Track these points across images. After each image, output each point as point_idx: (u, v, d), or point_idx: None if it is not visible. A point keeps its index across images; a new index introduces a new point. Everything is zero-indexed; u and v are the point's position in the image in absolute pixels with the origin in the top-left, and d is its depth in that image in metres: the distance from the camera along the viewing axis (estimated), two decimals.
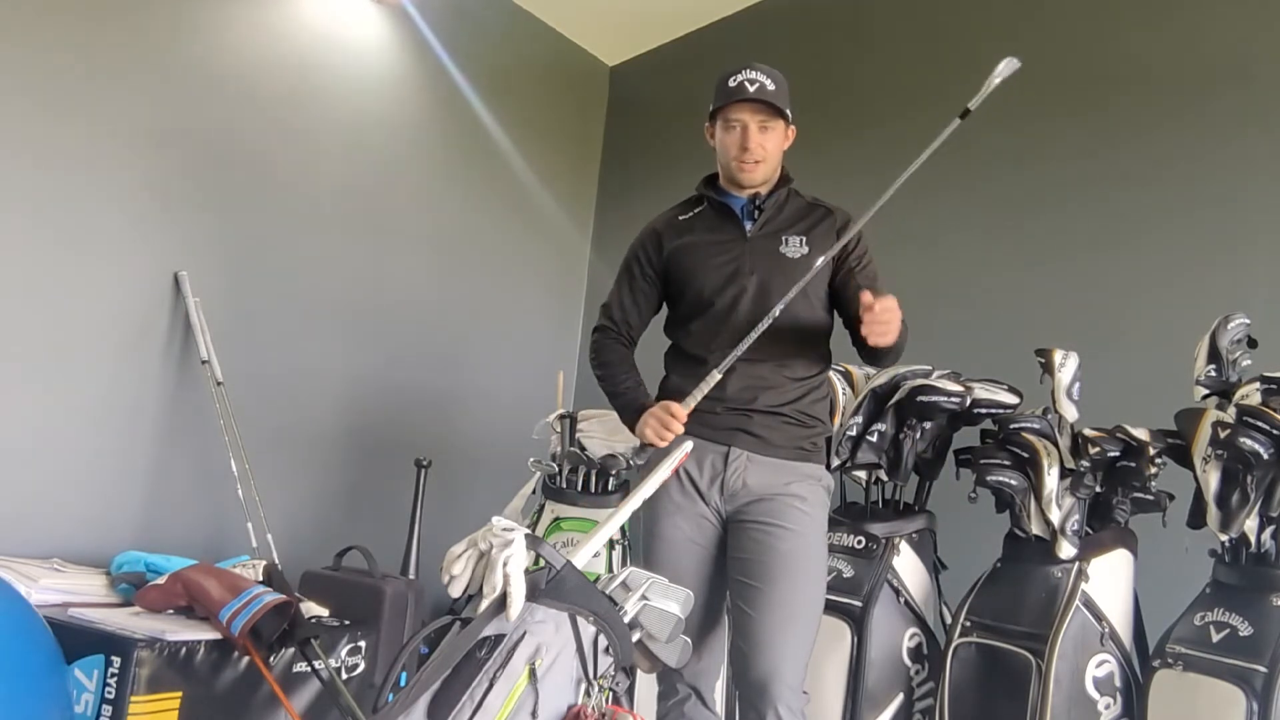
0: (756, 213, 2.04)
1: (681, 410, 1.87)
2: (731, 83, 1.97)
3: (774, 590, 1.86)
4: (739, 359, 1.94)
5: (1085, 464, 2.24)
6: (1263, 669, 1.88)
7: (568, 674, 1.46)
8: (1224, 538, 2.07)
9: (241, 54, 3.25)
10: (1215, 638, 1.98)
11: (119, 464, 2.90)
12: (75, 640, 2.03)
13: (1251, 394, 2.12)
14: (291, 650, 2.19)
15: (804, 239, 2.01)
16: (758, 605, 1.86)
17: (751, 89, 1.95)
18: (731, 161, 2.01)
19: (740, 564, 1.92)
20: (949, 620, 2.39)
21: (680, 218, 2.10)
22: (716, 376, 1.87)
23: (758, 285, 1.97)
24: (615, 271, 2.19)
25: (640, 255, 2.12)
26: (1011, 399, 2.47)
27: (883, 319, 1.77)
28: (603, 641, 1.50)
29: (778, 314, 1.87)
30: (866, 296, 1.79)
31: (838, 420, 2.59)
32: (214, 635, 2.10)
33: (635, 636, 1.54)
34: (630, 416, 1.99)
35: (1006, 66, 1.91)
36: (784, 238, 2.01)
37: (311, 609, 2.41)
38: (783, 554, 1.87)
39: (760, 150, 1.98)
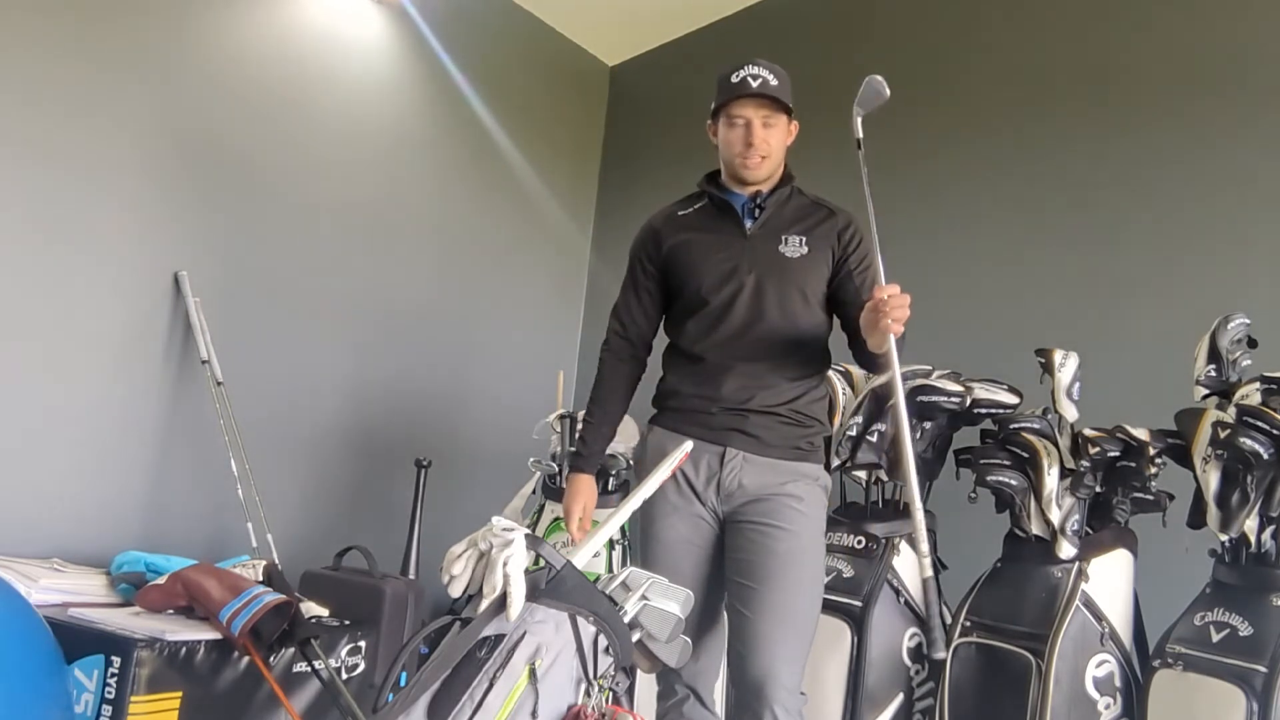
0: (757, 211, 2.02)
1: (580, 532, 2.01)
2: (734, 78, 1.95)
3: (770, 591, 1.84)
4: (736, 359, 1.94)
5: (1085, 464, 2.24)
6: (1263, 669, 1.88)
7: (568, 674, 1.46)
8: (1224, 538, 2.07)
9: (242, 54, 3.26)
10: (1215, 638, 1.98)
11: (119, 464, 2.90)
12: (75, 640, 2.03)
13: (1251, 394, 2.12)
14: (291, 650, 2.19)
15: (804, 239, 1.99)
16: (754, 606, 1.85)
17: (755, 84, 1.93)
18: (735, 158, 1.99)
19: (737, 565, 1.91)
20: (949, 620, 2.39)
21: (680, 213, 2.09)
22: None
23: (755, 284, 1.96)
24: (615, 272, 2.18)
25: (641, 255, 2.11)
26: (1011, 399, 2.47)
27: (895, 303, 1.71)
28: (603, 641, 1.50)
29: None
30: (877, 292, 1.74)
31: (838, 420, 2.59)
32: (214, 635, 2.10)
33: (635, 636, 1.54)
34: (572, 478, 2.07)
35: (867, 89, 1.90)
36: (784, 237, 1.99)
37: (311, 609, 2.41)
38: (779, 555, 1.86)
39: (765, 146, 1.96)
